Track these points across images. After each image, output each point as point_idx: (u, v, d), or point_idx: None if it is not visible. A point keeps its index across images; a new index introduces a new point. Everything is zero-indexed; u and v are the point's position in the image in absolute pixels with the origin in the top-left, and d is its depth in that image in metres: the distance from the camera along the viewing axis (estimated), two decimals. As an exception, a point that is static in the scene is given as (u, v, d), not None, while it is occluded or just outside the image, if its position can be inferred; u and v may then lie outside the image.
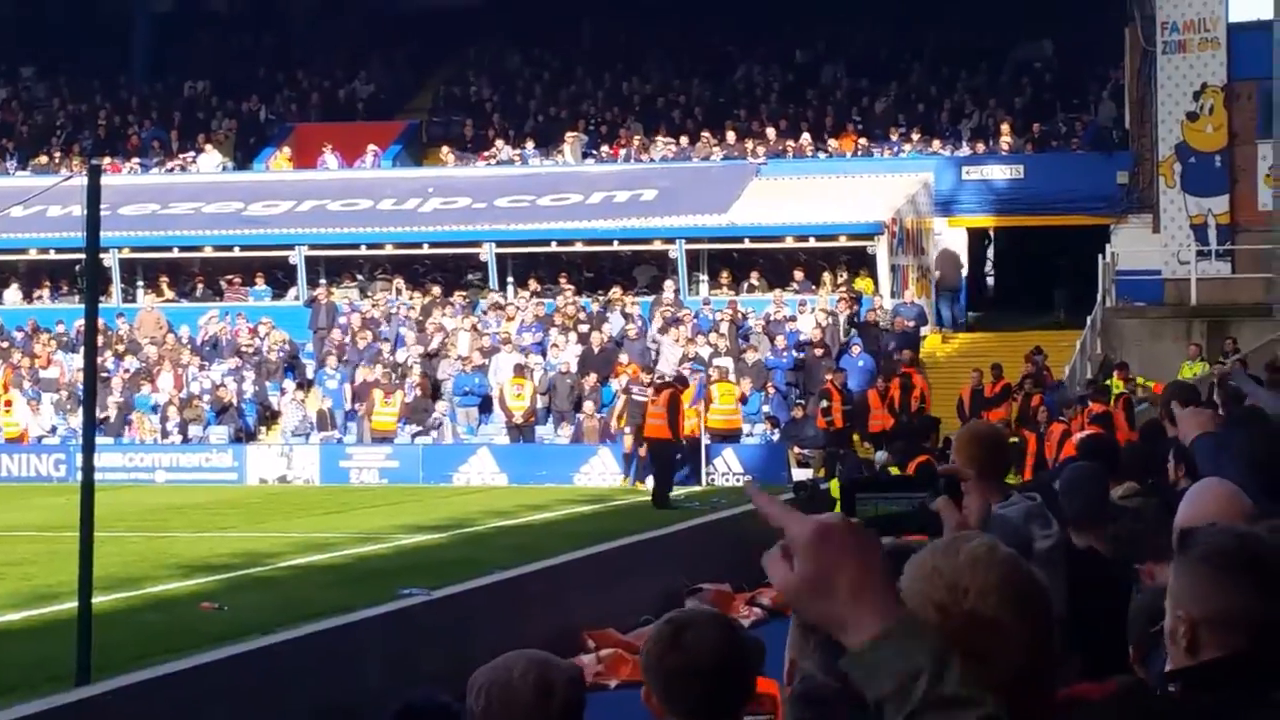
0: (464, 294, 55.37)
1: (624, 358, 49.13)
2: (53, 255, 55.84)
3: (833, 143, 59.41)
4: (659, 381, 43.56)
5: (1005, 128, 57.70)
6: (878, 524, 6.89)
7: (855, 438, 44.06)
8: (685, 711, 5.38)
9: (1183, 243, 49.63)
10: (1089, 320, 47.73)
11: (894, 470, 26.32)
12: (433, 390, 50.38)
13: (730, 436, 46.11)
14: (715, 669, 5.38)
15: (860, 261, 53.29)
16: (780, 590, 3.68)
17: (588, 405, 48.36)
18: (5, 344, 55.36)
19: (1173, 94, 50.92)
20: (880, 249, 52.86)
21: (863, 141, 59.19)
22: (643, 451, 43.41)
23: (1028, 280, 54.90)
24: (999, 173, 56.37)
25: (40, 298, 58.30)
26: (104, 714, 14.96)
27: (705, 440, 44.81)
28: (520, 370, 49.31)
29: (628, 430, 45.68)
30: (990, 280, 57.42)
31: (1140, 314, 48.33)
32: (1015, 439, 34.39)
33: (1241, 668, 4.15)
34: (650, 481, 41.40)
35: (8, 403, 51.95)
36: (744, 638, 5.75)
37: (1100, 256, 50.03)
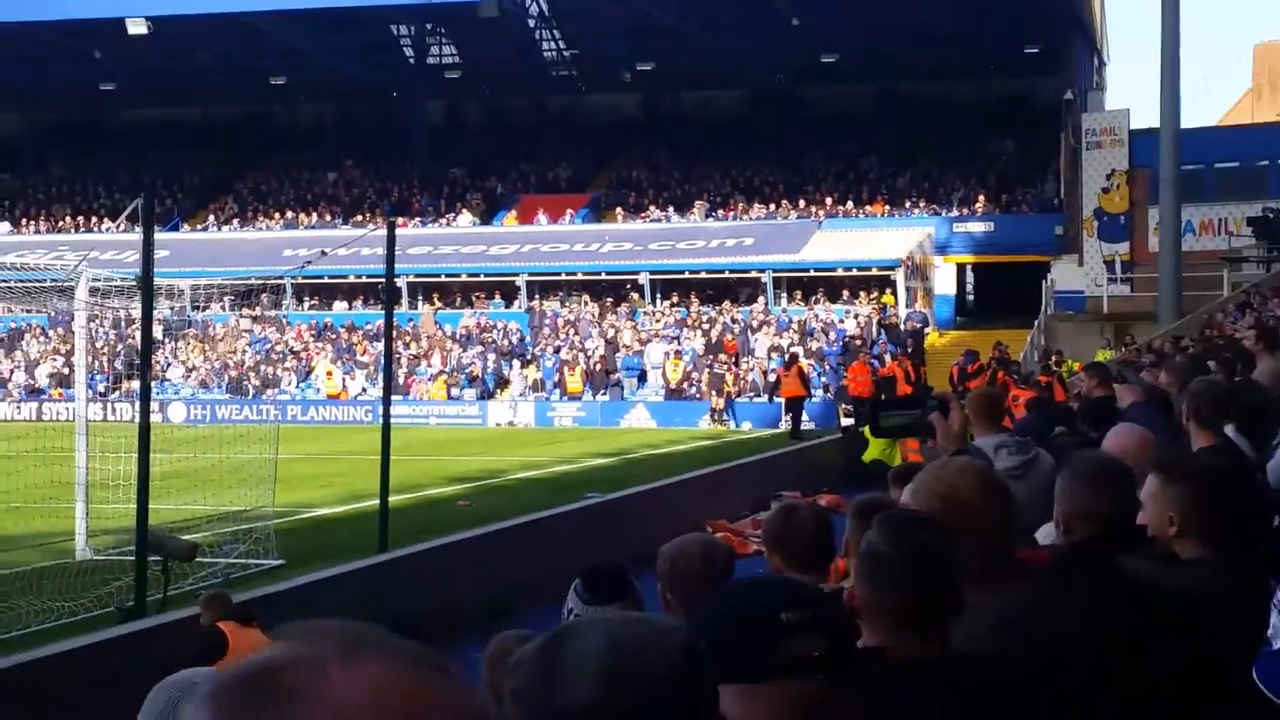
0: (628, 305, 55.61)
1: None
2: (365, 279, 56.45)
3: (869, 208, 59.29)
4: (789, 359, 43.64)
5: (982, 198, 57.40)
6: (893, 431, 7.19)
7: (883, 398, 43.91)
8: (797, 563, 5.30)
9: (1099, 273, 49.32)
10: (1035, 323, 47.56)
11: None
12: (608, 366, 50.67)
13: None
14: (812, 536, 5.41)
15: (885, 284, 53.22)
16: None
17: (707, 375, 48.49)
18: (334, 336, 56.05)
19: (1093, 175, 50.65)
20: (899, 276, 52.91)
21: (888, 207, 59.11)
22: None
23: (994, 297, 54.64)
24: (978, 227, 56.07)
25: (356, 306, 58.96)
26: (397, 572, 15.10)
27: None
28: (675, 354, 49.50)
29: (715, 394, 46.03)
30: (970, 297, 57.12)
31: (1071, 319, 47.97)
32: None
33: (1096, 543, 4.27)
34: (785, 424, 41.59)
35: (329, 373, 52.57)
36: (828, 518, 5.67)
37: (1043, 281, 49.84)
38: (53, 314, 49.59)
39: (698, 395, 48.14)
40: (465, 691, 1.35)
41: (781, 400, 42.77)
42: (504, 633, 4.33)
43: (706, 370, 48.40)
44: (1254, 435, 7.42)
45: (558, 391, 50.40)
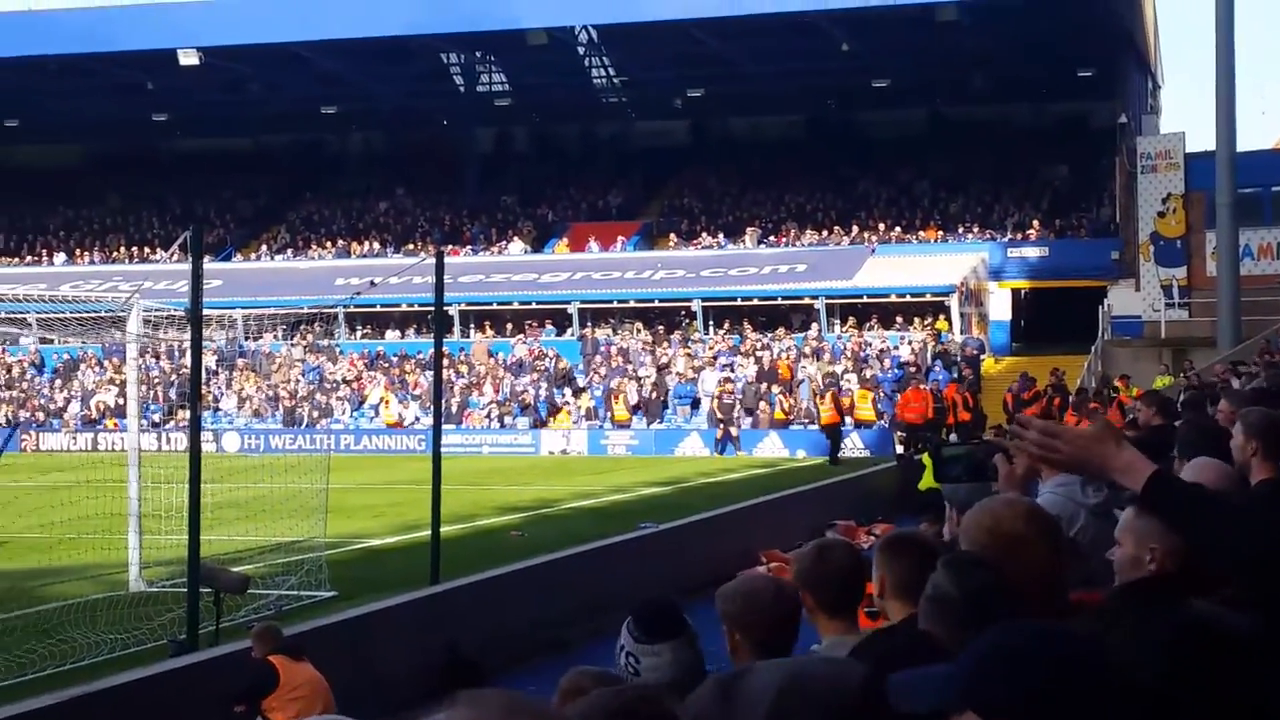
0: (680, 332, 55.58)
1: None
2: (416, 308, 56.59)
3: (922, 233, 59.14)
4: (828, 388, 43.59)
5: (1035, 223, 57.24)
6: (955, 471, 7.02)
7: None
8: (828, 604, 5.14)
9: (1156, 298, 48.98)
10: (1092, 349, 47.29)
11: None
12: (661, 394, 50.64)
13: (864, 425, 45.81)
14: (845, 576, 5.22)
15: (940, 310, 52.97)
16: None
17: (763, 404, 48.42)
18: (386, 365, 56.24)
19: (1149, 200, 50.26)
20: (953, 302, 52.68)
21: (941, 233, 58.94)
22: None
23: (1050, 323, 54.27)
24: (1032, 252, 55.83)
25: (409, 335, 59.12)
26: (450, 604, 15.16)
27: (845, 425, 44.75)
28: (726, 382, 49.48)
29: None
30: (1025, 323, 56.80)
31: (1128, 345, 47.65)
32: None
33: (1170, 581, 4.09)
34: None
35: (385, 402, 52.72)
36: (862, 557, 5.49)
37: (1100, 307, 49.58)
38: (107, 344, 49.94)
39: (756, 423, 48.10)
40: None
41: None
42: (578, 668, 4.30)
43: (746, 396, 48.37)
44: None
45: (609, 419, 50.31)
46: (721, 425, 47.38)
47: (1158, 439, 10.64)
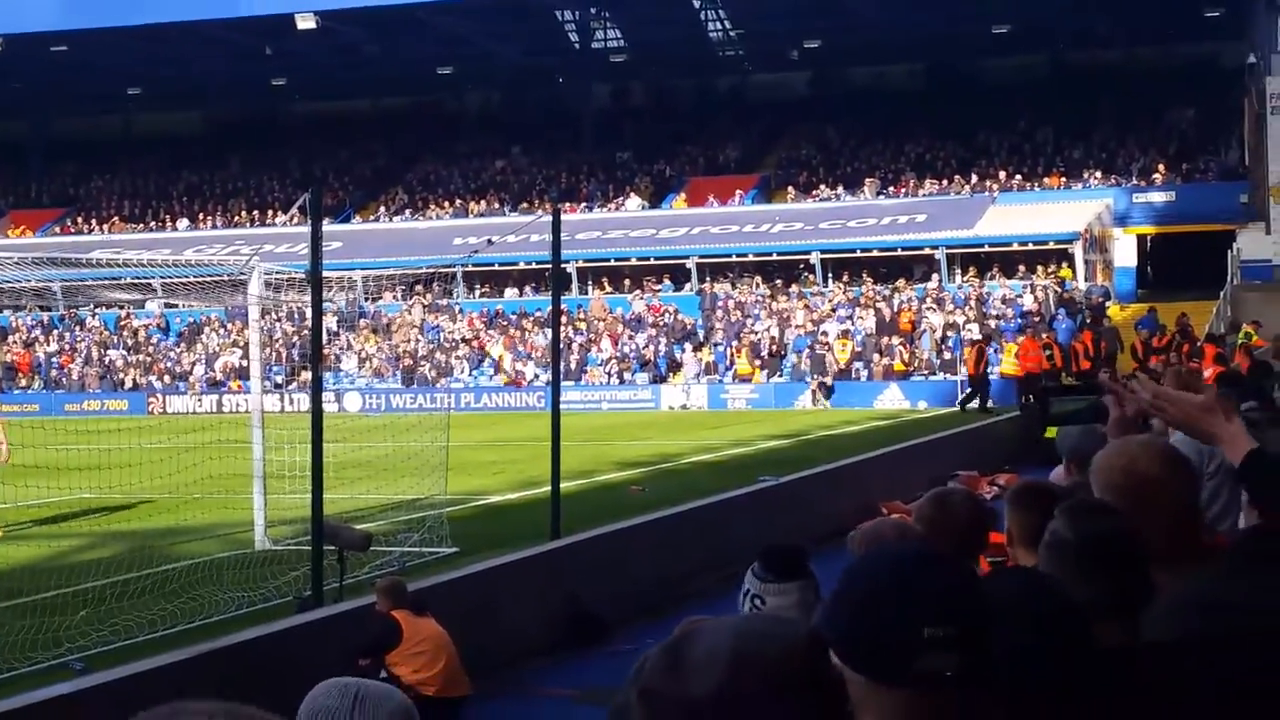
0: (799, 285, 55.36)
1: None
2: (534, 266, 56.81)
3: (1045, 180, 58.44)
4: (972, 340, 43.24)
5: (1162, 167, 56.30)
6: (1064, 418, 7.04)
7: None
8: (948, 552, 5.16)
9: (1287, 241, 48.14)
10: (1222, 294, 46.50)
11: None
12: (780, 347, 50.50)
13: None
14: (965, 525, 5.27)
15: (1063, 258, 52.36)
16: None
17: (883, 355, 48.16)
18: (504, 323, 56.53)
19: (1278, 142, 49.26)
20: (1077, 249, 52.03)
21: (1064, 179, 58.16)
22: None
23: (1177, 269, 53.33)
24: (1158, 197, 54.93)
25: (527, 293, 59.39)
26: (571, 558, 15.21)
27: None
28: (844, 334, 49.27)
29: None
30: (1150, 269, 55.88)
31: (1258, 289, 46.73)
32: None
33: None
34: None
35: (500, 359, 52.97)
36: (984, 505, 5.59)
37: (1229, 251, 48.68)
38: (230, 307, 50.64)
39: (870, 376, 47.90)
40: None
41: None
42: (694, 617, 4.28)
43: (876, 350, 48.14)
44: None
45: (730, 374, 50.26)
46: (815, 377, 47.33)
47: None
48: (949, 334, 48.05)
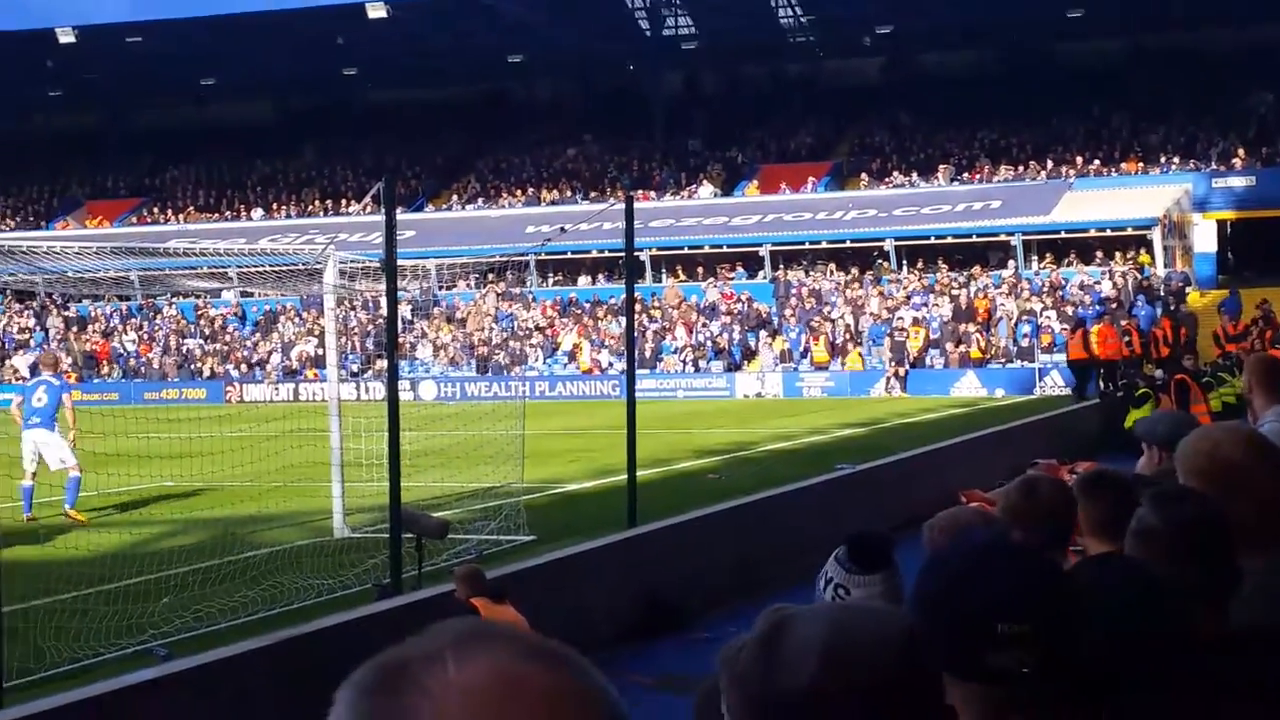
0: (873, 272, 55.20)
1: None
2: (607, 254, 56.89)
3: (1122, 165, 57.99)
4: (1077, 325, 42.88)
5: (1241, 151, 55.79)
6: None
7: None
8: (1036, 541, 4.82)
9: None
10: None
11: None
12: (854, 335, 50.38)
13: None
14: (1053, 514, 5.10)
15: (1142, 244, 51.97)
16: None
17: (959, 343, 47.96)
18: (578, 311, 56.66)
19: (1361, 124, 48.72)
20: (1156, 235, 51.63)
21: (1141, 165, 57.69)
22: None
23: (1258, 254, 52.77)
24: (1238, 182, 54.44)
25: (600, 281, 59.47)
26: (648, 546, 15.16)
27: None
28: (916, 321, 49.10)
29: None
30: (1230, 254, 55.34)
31: (1338, 275, 46.38)
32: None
33: None
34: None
35: (576, 348, 53.09)
36: (1072, 493, 5.25)
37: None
38: (305, 296, 51.01)
39: (946, 364, 47.71)
40: (587, 680, 1.34)
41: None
42: (778, 606, 4.30)
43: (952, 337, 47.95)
44: None
45: (805, 362, 50.16)
46: (893, 364, 47.18)
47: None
48: (1025, 320, 47.81)
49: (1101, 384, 38.73)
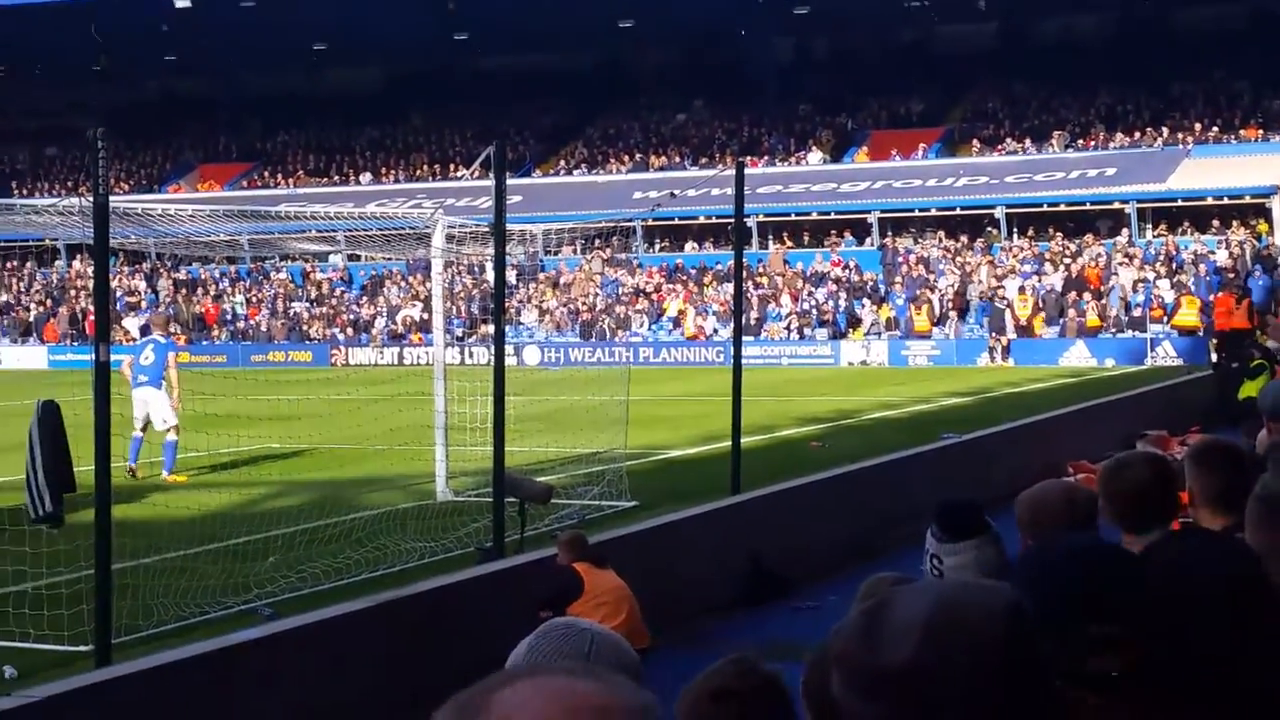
0: (983, 240, 54.75)
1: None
2: (715, 220, 56.78)
3: (1241, 132, 57.06)
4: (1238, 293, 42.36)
5: (1366, 118, 54.82)
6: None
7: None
8: (1119, 517, 4.95)
9: None
10: None
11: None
12: (962, 304, 50.04)
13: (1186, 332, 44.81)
14: (1143, 490, 4.96)
15: (1260, 212, 51.15)
16: None
17: (1070, 312, 47.48)
18: (684, 277, 56.65)
19: None
20: (1275, 204, 50.79)
21: (1262, 131, 56.71)
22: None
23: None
24: (1362, 149, 53.54)
25: (707, 247, 59.37)
26: (751, 514, 15.14)
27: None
28: (1022, 290, 48.67)
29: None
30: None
31: None
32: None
33: None
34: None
35: (681, 313, 53.06)
36: (1169, 468, 5.22)
37: None
38: (410, 260, 51.34)
39: (1061, 333, 47.27)
40: (635, 697, 1.53)
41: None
42: (878, 574, 4.28)
43: (1068, 307, 47.42)
44: None
45: (911, 329, 49.88)
46: (994, 334, 46.82)
47: None
48: (1139, 289, 47.22)
49: (1214, 354, 38.20)
